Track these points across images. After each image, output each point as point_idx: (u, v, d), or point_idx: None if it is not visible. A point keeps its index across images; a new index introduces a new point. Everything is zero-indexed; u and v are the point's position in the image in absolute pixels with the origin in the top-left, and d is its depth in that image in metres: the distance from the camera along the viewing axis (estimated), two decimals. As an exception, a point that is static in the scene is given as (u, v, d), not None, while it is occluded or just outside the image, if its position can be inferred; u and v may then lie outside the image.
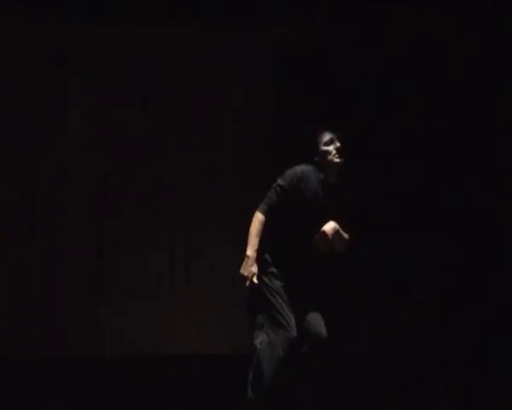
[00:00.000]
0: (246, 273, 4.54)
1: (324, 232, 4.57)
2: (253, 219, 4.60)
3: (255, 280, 4.53)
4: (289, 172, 4.68)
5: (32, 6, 6.02)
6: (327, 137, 4.74)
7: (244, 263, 4.55)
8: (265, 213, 4.60)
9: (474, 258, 6.16)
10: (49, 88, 6.21)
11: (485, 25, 6.17)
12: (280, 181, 4.66)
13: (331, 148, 4.70)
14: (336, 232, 4.60)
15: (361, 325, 6.08)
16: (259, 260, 4.61)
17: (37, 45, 6.19)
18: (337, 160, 4.71)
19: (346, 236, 4.67)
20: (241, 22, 6.22)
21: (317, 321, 4.60)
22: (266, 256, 4.64)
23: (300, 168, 4.70)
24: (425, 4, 6.18)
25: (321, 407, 4.69)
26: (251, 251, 4.55)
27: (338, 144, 4.71)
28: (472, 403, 5.80)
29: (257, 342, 4.54)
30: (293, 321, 4.55)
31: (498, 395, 5.84)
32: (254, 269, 4.54)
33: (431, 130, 6.26)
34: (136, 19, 6.15)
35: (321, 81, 6.26)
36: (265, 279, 4.62)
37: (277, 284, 4.61)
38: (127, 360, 6.08)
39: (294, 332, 4.51)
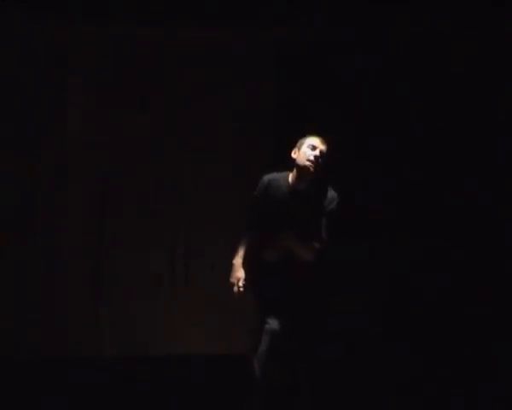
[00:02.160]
0: (232, 280, 4.73)
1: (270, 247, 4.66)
2: None
3: (241, 283, 4.63)
4: (260, 181, 4.82)
5: (31, 6, 6.02)
6: (313, 141, 4.72)
7: (231, 271, 4.75)
8: (248, 224, 4.80)
9: (474, 258, 6.17)
10: (49, 88, 6.21)
11: (485, 25, 6.17)
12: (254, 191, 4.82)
13: (310, 152, 4.68)
14: (287, 244, 4.60)
15: (360, 325, 6.09)
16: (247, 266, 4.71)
17: (37, 45, 6.18)
18: (309, 165, 4.66)
19: (307, 245, 4.62)
20: (241, 22, 6.22)
21: (289, 328, 4.63)
22: (250, 263, 4.72)
23: (269, 175, 4.82)
24: (425, 4, 6.18)
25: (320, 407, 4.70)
26: (235, 259, 4.78)
27: (317, 154, 4.67)
28: (472, 403, 5.80)
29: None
30: (271, 316, 4.64)
31: (498, 395, 5.85)
32: (240, 274, 4.69)
33: (431, 130, 6.26)
34: (136, 19, 6.15)
35: (321, 81, 6.26)
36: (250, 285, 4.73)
37: (259, 287, 4.73)
38: (127, 360, 6.09)
39: (274, 325, 4.61)
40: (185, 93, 6.34)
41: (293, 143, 5.93)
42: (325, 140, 4.75)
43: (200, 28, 6.27)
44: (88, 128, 6.26)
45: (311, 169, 4.65)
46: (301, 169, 4.67)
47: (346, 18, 6.24)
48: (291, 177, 4.74)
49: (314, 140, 4.71)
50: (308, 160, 4.66)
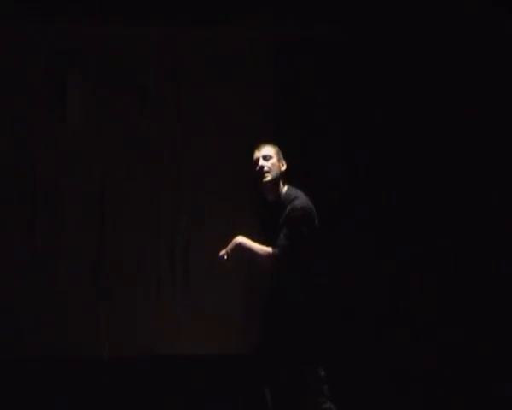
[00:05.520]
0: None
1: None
2: None
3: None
4: None
5: (32, 6, 6.02)
6: (254, 156, 4.64)
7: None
8: None
9: (475, 257, 6.18)
10: (49, 88, 6.21)
11: (485, 25, 6.18)
12: None
13: (256, 169, 4.62)
14: (236, 248, 4.54)
15: (361, 324, 6.10)
16: None
17: (37, 45, 6.19)
18: (262, 179, 4.58)
19: (256, 250, 4.52)
20: (241, 22, 6.23)
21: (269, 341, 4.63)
22: None
23: None
24: (424, 4, 6.19)
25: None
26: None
27: (261, 164, 4.59)
28: (472, 403, 5.81)
29: None
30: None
31: (499, 395, 5.86)
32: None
33: (431, 130, 6.27)
34: (136, 19, 6.15)
35: (321, 81, 6.27)
36: None
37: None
38: (127, 360, 6.09)
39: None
40: (185, 93, 6.34)
41: (293, 142, 6.01)
42: (267, 142, 4.69)
43: (199, 28, 6.27)
44: (88, 128, 6.26)
45: (263, 180, 4.59)
46: (261, 185, 4.64)
47: (345, 18, 6.24)
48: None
49: (255, 153, 4.64)
50: (258, 175, 4.60)
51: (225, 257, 4.54)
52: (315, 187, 5.79)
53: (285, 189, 4.61)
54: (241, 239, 4.54)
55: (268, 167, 4.58)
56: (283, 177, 4.64)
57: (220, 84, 6.34)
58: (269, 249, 4.48)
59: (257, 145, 4.68)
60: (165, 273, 6.28)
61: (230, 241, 4.58)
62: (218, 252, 4.64)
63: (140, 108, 6.32)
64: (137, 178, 6.30)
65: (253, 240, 4.55)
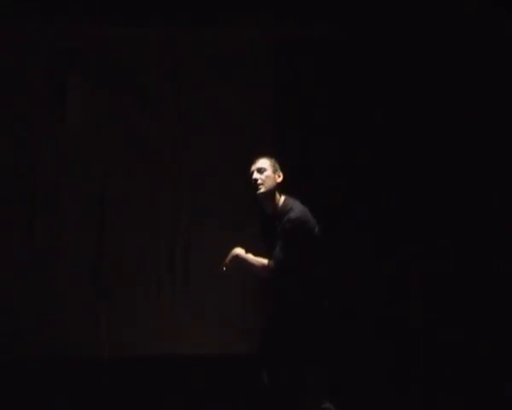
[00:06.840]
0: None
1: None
2: None
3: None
4: None
5: (32, 6, 6.03)
6: (251, 168, 4.64)
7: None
8: None
9: (475, 257, 6.18)
10: (49, 88, 6.21)
11: (485, 25, 6.18)
12: None
13: (251, 181, 4.63)
14: (233, 259, 4.54)
15: (361, 324, 6.10)
16: None
17: (37, 45, 6.19)
18: (256, 191, 4.59)
19: (253, 262, 4.52)
20: (241, 22, 6.23)
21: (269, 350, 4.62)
22: None
23: None
24: (424, 4, 6.19)
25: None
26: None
27: (255, 176, 4.59)
28: (472, 403, 5.81)
29: None
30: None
31: (499, 395, 5.86)
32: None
33: (431, 130, 6.27)
34: (136, 19, 6.15)
35: (321, 81, 6.27)
36: None
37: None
38: (127, 360, 6.09)
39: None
40: (185, 93, 6.35)
41: (293, 142, 6.00)
42: (263, 155, 4.66)
43: (199, 28, 6.28)
44: (88, 128, 6.27)
45: (257, 192, 4.59)
46: (257, 197, 4.64)
47: (345, 18, 6.24)
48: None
49: (252, 166, 4.65)
50: (253, 186, 4.61)
51: (224, 268, 4.56)
52: (315, 187, 5.82)
53: (282, 200, 4.61)
54: (238, 251, 4.56)
55: (262, 180, 4.59)
56: (280, 188, 4.63)
57: (220, 84, 6.35)
58: (265, 262, 4.49)
59: (254, 159, 4.68)
60: (165, 273, 6.28)
61: (230, 247, 4.59)
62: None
63: (140, 108, 6.32)
64: (137, 178, 6.30)
65: (253, 250, 4.56)
